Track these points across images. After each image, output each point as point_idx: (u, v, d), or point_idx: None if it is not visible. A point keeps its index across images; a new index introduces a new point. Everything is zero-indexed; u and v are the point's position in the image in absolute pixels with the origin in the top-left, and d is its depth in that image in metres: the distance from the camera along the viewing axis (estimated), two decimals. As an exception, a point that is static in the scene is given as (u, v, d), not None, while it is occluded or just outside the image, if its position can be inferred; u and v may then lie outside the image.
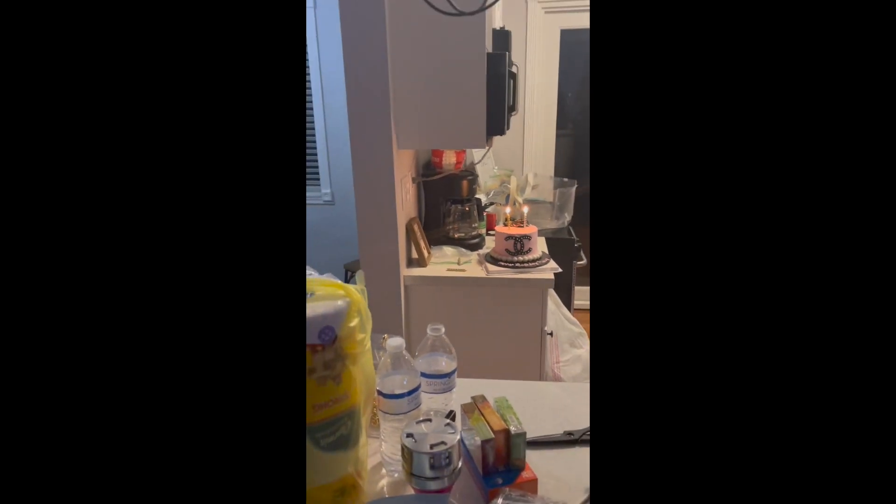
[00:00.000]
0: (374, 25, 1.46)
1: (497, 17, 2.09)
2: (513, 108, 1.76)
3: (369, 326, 0.69)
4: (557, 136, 3.03)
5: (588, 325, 2.09)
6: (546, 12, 2.81)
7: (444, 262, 1.81)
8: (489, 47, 1.66)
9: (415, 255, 1.80)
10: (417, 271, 1.71)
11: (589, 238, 2.38)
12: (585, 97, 3.16)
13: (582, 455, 0.79)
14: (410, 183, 1.87)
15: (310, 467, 0.64)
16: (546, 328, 1.69)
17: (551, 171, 2.97)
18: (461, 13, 0.70)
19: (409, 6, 1.47)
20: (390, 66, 1.52)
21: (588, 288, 3.11)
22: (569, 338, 1.92)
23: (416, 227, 1.81)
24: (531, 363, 1.69)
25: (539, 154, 2.97)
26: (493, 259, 1.76)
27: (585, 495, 0.71)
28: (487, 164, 2.34)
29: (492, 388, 0.84)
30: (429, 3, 0.69)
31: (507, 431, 0.72)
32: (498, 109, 1.55)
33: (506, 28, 1.94)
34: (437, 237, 1.91)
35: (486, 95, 1.50)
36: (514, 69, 1.74)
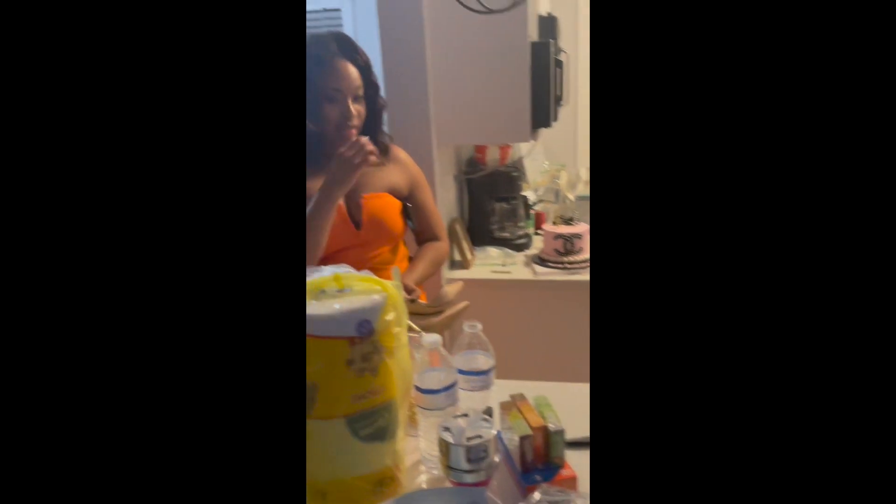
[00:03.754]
0: (412, 20, 1.55)
1: (545, 3, 2.15)
2: (560, 99, 1.81)
3: (405, 321, 0.77)
4: (615, 126, 3.03)
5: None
6: (599, -8, 2.83)
7: (489, 263, 1.88)
8: (534, 35, 1.73)
9: (458, 256, 1.88)
10: (460, 274, 1.79)
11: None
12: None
13: (626, 456, 0.84)
14: (452, 181, 1.95)
15: (349, 457, 0.73)
16: (599, 334, 1.72)
17: (608, 165, 2.98)
18: (490, 11, 0.77)
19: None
20: (429, 59, 1.61)
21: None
22: (626, 345, 1.94)
23: (458, 228, 1.89)
24: (581, 370, 1.71)
25: (594, 147, 2.99)
26: (541, 260, 1.82)
27: (627, 495, 0.76)
28: (537, 158, 2.38)
29: (531, 389, 0.90)
30: (459, 2, 0.76)
31: (545, 428, 0.78)
32: (543, 101, 1.61)
33: (553, 14, 1.99)
34: (482, 238, 1.98)
35: (531, 86, 1.57)
36: (561, 57, 1.79)
